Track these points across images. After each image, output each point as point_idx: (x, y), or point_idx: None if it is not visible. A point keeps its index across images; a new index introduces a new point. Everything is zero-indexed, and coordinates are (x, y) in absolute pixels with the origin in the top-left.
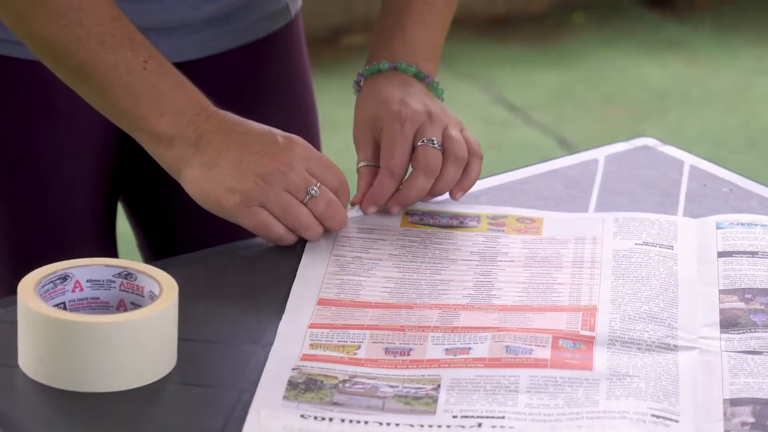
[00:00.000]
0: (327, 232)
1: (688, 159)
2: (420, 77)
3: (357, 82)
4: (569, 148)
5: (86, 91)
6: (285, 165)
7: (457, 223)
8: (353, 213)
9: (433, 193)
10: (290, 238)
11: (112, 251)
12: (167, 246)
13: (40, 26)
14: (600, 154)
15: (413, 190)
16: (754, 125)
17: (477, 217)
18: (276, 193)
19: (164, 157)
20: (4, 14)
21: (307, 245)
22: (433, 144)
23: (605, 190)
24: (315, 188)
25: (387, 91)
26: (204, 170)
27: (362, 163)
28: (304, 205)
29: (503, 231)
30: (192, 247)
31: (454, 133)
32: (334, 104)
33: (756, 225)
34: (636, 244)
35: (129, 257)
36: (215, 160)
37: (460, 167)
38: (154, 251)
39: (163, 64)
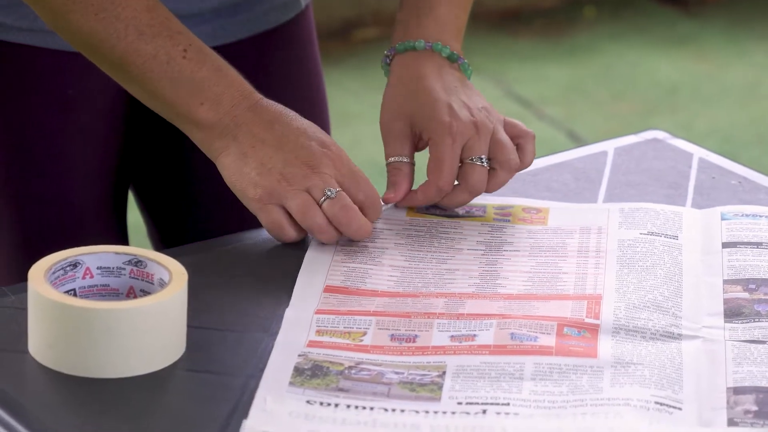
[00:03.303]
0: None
1: (697, 152)
2: (453, 59)
3: (387, 56)
4: (580, 143)
5: (127, 81)
6: (310, 167)
7: (463, 212)
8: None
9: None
10: (300, 238)
11: (122, 239)
12: (177, 235)
13: (77, 20)
14: (609, 146)
15: (454, 202)
16: (764, 121)
17: (483, 207)
18: (296, 192)
19: (204, 143)
20: (41, 10)
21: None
22: (481, 162)
23: (614, 182)
24: (333, 190)
25: (427, 83)
26: (236, 160)
27: (395, 159)
28: (321, 205)
29: (509, 221)
30: (201, 237)
31: (502, 136)
32: (346, 98)
33: (761, 216)
34: (641, 233)
35: (140, 247)
36: (249, 151)
37: (512, 173)
38: (164, 240)
39: (202, 50)
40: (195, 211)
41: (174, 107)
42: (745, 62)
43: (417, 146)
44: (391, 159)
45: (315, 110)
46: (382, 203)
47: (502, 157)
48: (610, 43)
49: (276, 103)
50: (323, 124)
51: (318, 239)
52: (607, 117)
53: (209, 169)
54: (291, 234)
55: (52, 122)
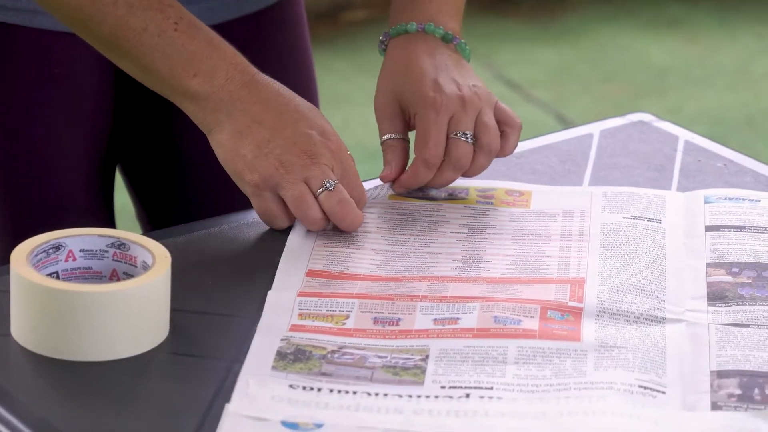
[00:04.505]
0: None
1: (683, 134)
2: (447, 39)
3: (382, 41)
4: (568, 126)
5: (119, 58)
6: (310, 157)
7: (446, 195)
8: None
9: (461, 176)
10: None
11: (109, 221)
12: (165, 216)
13: None
14: (595, 129)
15: (441, 180)
16: (754, 104)
17: (466, 190)
18: (293, 182)
19: (197, 115)
20: None
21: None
22: (466, 138)
23: (600, 164)
24: (331, 183)
25: (417, 61)
26: (232, 137)
27: (388, 136)
28: (317, 197)
29: (492, 204)
30: (190, 218)
31: (488, 118)
32: (334, 79)
33: (743, 199)
34: (624, 217)
35: (127, 229)
36: (245, 131)
37: (491, 157)
38: (151, 221)
39: (194, 24)
40: (183, 192)
41: (166, 80)
42: (735, 45)
43: (409, 125)
44: (385, 137)
45: (305, 92)
46: (382, 186)
47: (484, 139)
48: (600, 26)
49: (272, 80)
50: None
51: (306, 227)
52: (596, 100)
53: (198, 151)
54: (283, 224)
55: (39, 102)
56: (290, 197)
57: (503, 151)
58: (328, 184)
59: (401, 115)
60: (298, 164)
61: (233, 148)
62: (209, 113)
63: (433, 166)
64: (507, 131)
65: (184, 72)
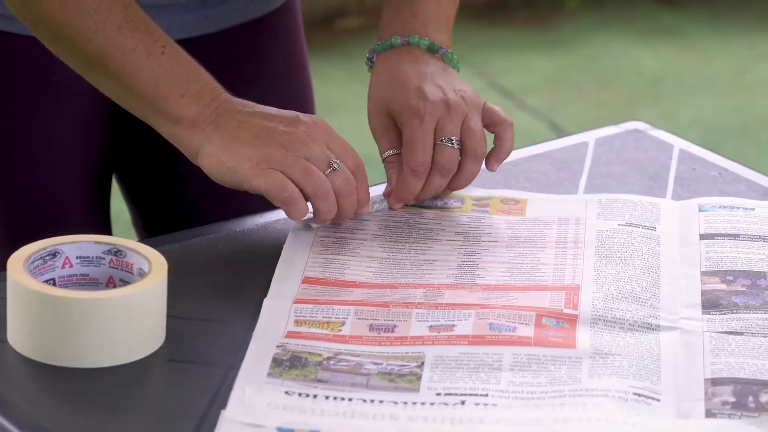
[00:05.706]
0: (334, 222)
1: (678, 143)
2: (433, 50)
3: (369, 59)
4: (562, 134)
5: (101, 78)
6: (307, 136)
7: (442, 204)
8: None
9: (452, 187)
10: (302, 205)
11: (105, 228)
12: (161, 223)
13: (53, 11)
14: (590, 137)
15: (430, 188)
16: (747, 112)
17: (461, 199)
18: (297, 158)
19: (183, 138)
20: (15, 1)
21: (293, 225)
22: (452, 143)
23: (595, 173)
24: (337, 162)
25: (402, 73)
26: (224, 143)
27: (388, 153)
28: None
29: (487, 212)
30: (186, 225)
31: (474, 123)
32: (329, 86)
33: (738, 208)
34: (619, 224)
35: (123, 236)
36: (236, 133)
37: (479, 162)
38: (147, 228)
39: (177, 49)
40: (179, 200)
41: (153, 101)
42: (729, 53)
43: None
44: (385, 154)
45: (301, 100)
46: (384, 200)
47: (469, 144)
48: (594, 34)
49: (250, 102)
50: (309, 112)
51: (316, 209)
52: (590, 108)
53: None
54: (295, 195)
55: (35, 110)
56: (298, 171)
57: (501, 151)
58: (335, 165)
59: (394, 128)
60: (298, 142)
61: (227, 150)
62: (198, 132)
63: (421, 174)
64: (499, 131)
65: (172, 93)
